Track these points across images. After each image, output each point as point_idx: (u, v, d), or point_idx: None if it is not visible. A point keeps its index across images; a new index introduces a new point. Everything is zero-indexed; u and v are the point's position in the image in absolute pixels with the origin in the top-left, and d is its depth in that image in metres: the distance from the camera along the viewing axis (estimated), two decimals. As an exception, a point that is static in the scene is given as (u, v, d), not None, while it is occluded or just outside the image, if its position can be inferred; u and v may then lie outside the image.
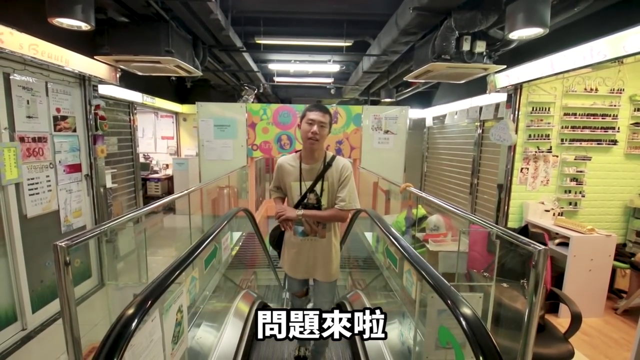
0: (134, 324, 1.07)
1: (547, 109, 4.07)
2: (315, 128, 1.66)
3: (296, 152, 1.84)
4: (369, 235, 4.98)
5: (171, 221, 6.33)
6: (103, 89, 4.23)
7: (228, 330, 2.53)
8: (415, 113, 7.45)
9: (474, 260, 2.86)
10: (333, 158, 1.78)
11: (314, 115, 1.67)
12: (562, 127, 4.09)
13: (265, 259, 4.44)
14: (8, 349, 2.62)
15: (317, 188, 1.75)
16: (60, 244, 1.20)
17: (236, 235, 4.82)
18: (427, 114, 7.40)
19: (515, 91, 4.00)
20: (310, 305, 2.24)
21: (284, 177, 1.83)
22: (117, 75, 3.55)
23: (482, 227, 2.67)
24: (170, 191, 7.23)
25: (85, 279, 3.56)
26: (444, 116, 6.63)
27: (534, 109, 4.04)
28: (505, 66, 3.61)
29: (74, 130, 3.31)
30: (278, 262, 2.23)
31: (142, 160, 7.29)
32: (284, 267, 2.01)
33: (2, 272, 2.65)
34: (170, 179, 7.31)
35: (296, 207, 1.78)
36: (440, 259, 2.87)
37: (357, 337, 2.54)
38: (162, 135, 7.69)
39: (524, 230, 2.88)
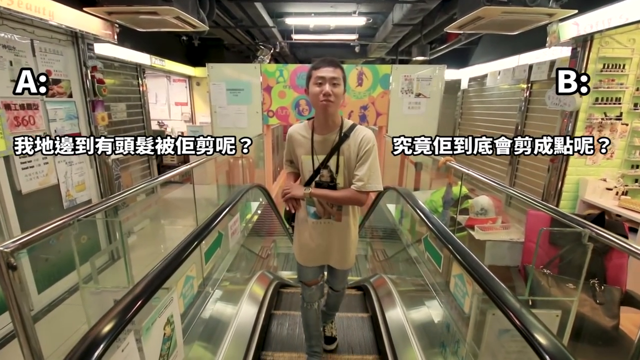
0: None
1: (621, 67, 3.36)
2: (327, 88, 1.36)
3: (309, 120, 1.54)
4: (392, 208, 4.64)
5: (188, 191, 6.21)
6: (104, 50, 3.87)
7: (241, 316, 2.31)
8: (448, 74, 6.68)
9: (530, 253, 2.43)
10: (352, 128, 1.47)
11: (322, 72, 1.37)
12: (638, 89, 3.39)
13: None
14: (14, 331, 2.52)
15: (332, 163, 1.47)
16: (3, 249, 0.96)
17: (254, 205, 4.61)
18: (463, 75, 6.62)
19: (583, 44, 3.29)
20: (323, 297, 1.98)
21: (294, 149, 1.56)
22: (115, 32, 3.14)
23: (544, 213, 2.19)
24: (186, 160, 7.02)
25: (94, 253, 3.44)
26: (484, 77, 5.87)
27: (605, 66, 3.34)
28: (576, 11, 2.91)
29: (70, 96, 2.99)
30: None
31: (156, 127, 7.07)
32: (294, 252, 1.75)
33: None
34: (186, 147, 7.07)
35: (307, 184, 1.53)
36: (487, 249, 2.46)
37: (379, 318, 2.34)
38: (176, 101, 7.35)
39: (600, 218, 2.39)
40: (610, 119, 3.49)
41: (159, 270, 1.19)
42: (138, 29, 3.03)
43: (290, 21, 5.65)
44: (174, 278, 1.32)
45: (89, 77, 3.07)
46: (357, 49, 6.66)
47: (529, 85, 4.82)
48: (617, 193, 3.45)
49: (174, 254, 1.32)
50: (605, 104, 3.45)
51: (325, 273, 1.85)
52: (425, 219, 1.68)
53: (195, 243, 1.48)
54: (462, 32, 3.36)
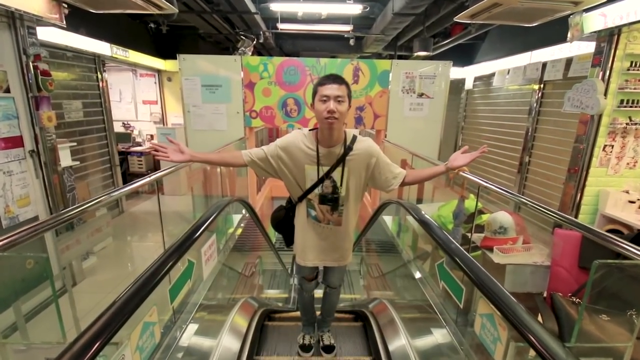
0: None
1: (650, 65, 3.26)
2: (331, 105, 1.54)
3: (311, 130, 1.74)
4: (388, 220, 4.48)
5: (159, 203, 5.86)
6: (52, 36, 3.55)
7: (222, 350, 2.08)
8: (451, 72, 6.61)
9: (559, 280, 2.25)
10: (354, 139, 1.71)
11: (327, 89, 1.55)
12: (668, 91, 3.29)
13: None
14: None
15: (335, 175, 1.69)
16: None
17: (236, 217, 4.37)
18: (467, 74, 6.53)
19: (609, 38, 3.18)
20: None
21: (295, 158, 1.70)
22: (63, 14, 2.83)
23: (575, 232, 2.02)
24: (156, 167, 6.67)
25: (43, 282, 3.10)
26: (491, 76, 5.78)
27: (633, 64, 3.24)
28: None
29: (7, 91, 2.66)
30: (283, 246, 2.22)
31: (121, 129, 6.70)
32: (295, 253, 2.01)
33: None
34: (155, 151, 6.71)
35: (308, 193, 1.74)
36: (507, 273, 2.27)
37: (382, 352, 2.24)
38: (144, 99, 7.00)
39: (638, 238, 2.25)
40: (636, 123, 3.39)
41: (106, 321, 0.95)
42: (92, 11, 2.72)
43: (275, 7, 5.42)
44: (127, 328, 1.08)
45: (31, 68, 2.75)
46: (351, 42, 6.49)
47: (542, 85, 4.74)
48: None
49: (125, 298, 1.08)
50: (631, 106, 3.35)
51: (321, 270, 2.12)
52: (437, 240, 1.48)
53: (155, 281, 1.23)
54: (473, 22, 3.19)
